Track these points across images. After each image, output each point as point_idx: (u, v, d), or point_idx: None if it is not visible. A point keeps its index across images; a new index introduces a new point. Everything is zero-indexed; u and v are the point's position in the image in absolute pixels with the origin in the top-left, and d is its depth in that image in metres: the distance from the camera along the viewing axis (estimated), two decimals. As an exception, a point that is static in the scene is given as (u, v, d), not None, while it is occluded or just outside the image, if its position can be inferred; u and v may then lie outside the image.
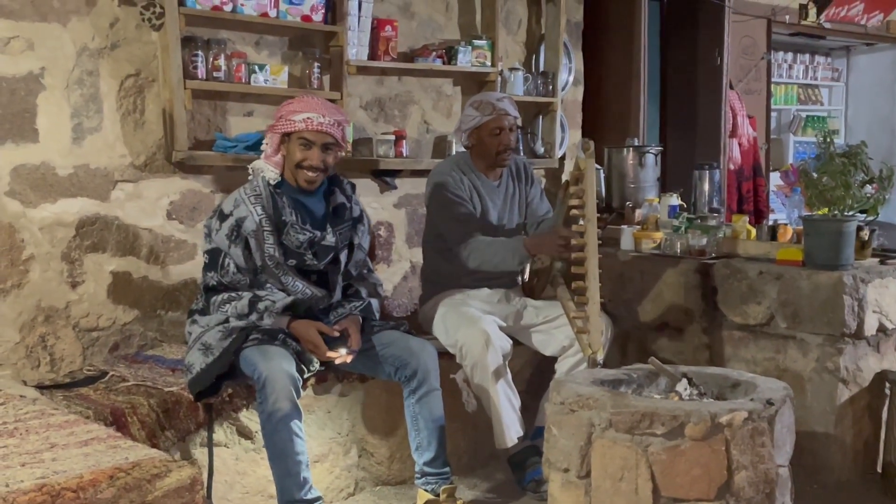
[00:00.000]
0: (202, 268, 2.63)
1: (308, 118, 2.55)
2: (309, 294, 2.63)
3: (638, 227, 3.65)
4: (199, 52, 3.14)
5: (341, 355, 2.57)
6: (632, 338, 3.49)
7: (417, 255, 3.69)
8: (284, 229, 2.57)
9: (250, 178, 2.67)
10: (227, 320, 2.56)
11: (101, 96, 3.04)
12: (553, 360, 3.08)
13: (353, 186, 2.82)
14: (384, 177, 3.80)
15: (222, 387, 2.56)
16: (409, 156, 3.81)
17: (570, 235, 2.72)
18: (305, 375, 2.55)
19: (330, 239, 2.65)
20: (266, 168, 2.63)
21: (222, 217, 2.58)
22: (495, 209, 3.17)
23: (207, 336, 2.55)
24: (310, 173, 2.59)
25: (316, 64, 3.45)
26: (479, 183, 3.15)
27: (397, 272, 3.91)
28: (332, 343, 2.59)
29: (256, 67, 3.28)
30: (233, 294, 2.55)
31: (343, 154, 2.77)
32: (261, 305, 2.53)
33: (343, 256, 2.72)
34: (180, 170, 3.22)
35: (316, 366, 2.59)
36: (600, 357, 2.62)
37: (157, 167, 3.17)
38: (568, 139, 4.40)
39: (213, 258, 2.58)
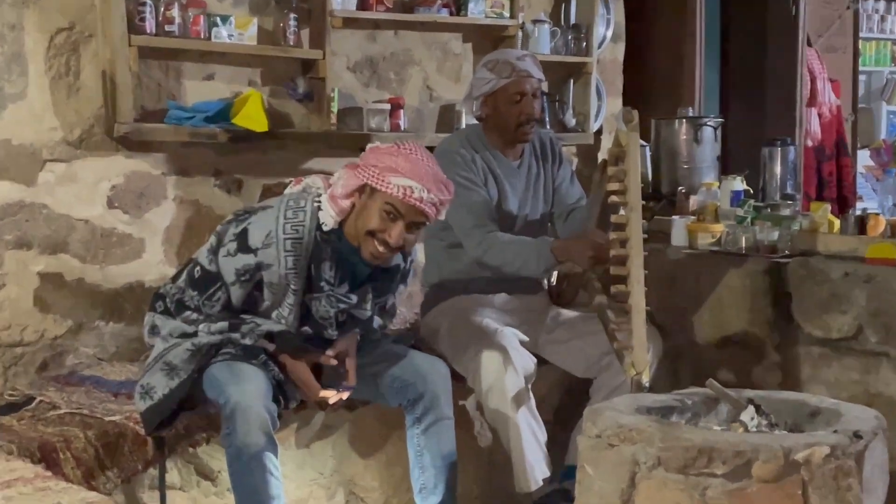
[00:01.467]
0: (186, 276, 2.54)
1: (409, 188, 2.41)
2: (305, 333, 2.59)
3: (693, 217, 3.65)
4: (148, 1, 3.15)
5: (336, 393, 2.57)
6: (685, 355, 3.48)
7: (419, 254, 3.68)
8: (316, 293, 2.50)
9: (296, 194, 2.52)
10: (195, 333, 2.52)
11: (26, 55, 3.04)
12: (587, 382, 3.08)
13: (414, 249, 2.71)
14: (377, 155, 3.80)
15: (178, 416, 2.57)
16: (408, 129, 3.80)
17: (607, 243, 2.72)
18: (282, 409, 2.54)
19: (366, 311, 2.60)
20: (326, 208, 2.47)
21: (243, 246, 2.44)
22: (515, 195, 3.17)
23: (173, 355, 2.53)
24: (381, 248, 2.46)
25: (292, 15, 3.46)
26: (495, 163, 3.15)
27: (393, 274, 3.91)
28: (325, 377, 2.58)
29: (219, 19, 3.29)
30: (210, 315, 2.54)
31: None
32: (244, 327, 2.50)
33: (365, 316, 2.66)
34: (124, 146, 3.22)
35: (296, 403, 2.61)
36: (646, 379, 2.62)
37: (96, 143, 3.18)
38: (605, 109, 4.39)
39: (206, 281, 2.49)
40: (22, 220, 3.06)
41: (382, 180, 2.41)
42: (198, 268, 2.51)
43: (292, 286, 2.47)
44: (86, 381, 2.94)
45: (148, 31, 3.16)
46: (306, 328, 2.54)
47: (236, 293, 2.49)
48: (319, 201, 2.49)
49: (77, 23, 3.11)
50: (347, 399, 2.62)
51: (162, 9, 3.18)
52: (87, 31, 3.13)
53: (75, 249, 3.15)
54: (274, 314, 2.52)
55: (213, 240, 2.51)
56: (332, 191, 2.49)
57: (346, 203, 2.48)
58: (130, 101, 3.13)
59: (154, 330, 2.59)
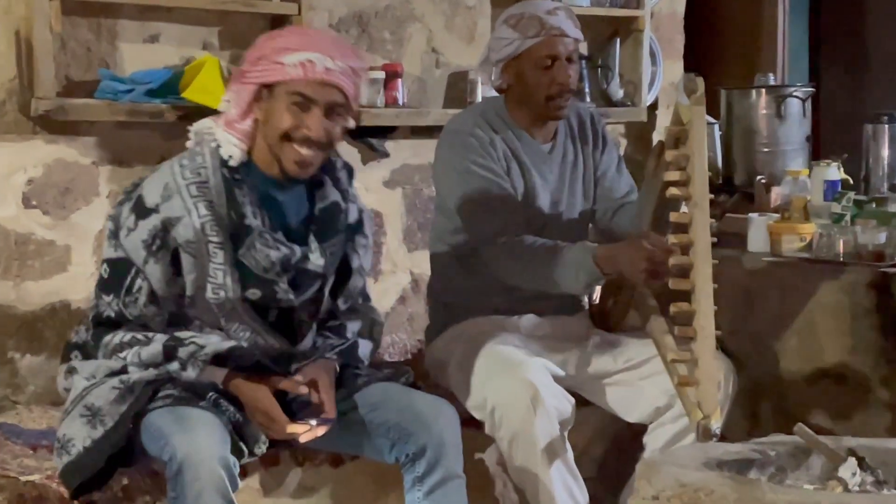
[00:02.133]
0: (96, 285, 2.61)
1: (308, 61, 2.50)
2: (261, 345, 2.64)
3: (776, 215, 3.64)
4: (74, -58, 3.18)
5: (310, 428, 2.57)
6: (767, 392, 3.48)
7: (423, 263, 3.69)
8: (246, 240, 2.55)
9: (191, 146, 2.63)
10: (124, 369, 2.55)
11: (-81, 13, 3.07)
12: (641, 428, 3.08)
13: (351, 172, 2.81)
14: (368, 138, 3.82)
15: (113, 474, 2.56)
16: (409, 104, 3.82)
17: (666, 249, 2.71)
18: (245, 459, 2.54)
19: (316, 260, 2.65)
20: (225, 139, 2.58)
21: (141, 210, 2.53)
22: (546, 188, 3.17)
23: (94, 395, 2.54)
24: (304, 150, 2.55)
25: (259, -41, 3.48)
26: (521, 146, 3.15)
27: (390, 290, 3.93)
28: (294, 408, 2.59)
29: (164, -35, 3.31)
30: (138, 336, 2.56)
31: (353, 126, 2.74)
32: (182, 352, 2.52)
33: (328, 287, 2.73)
34: (44, 129, 3.24)
35: (264, 446, 2.60)
36: (716, 424, 2.60)
37: (7, 125, 3.19)
38: (662, 76, 4.39)
39: (117, 274, 2.55)
40: (-87, 225, 3.09)
41: (274, 65, 2.50)
42: (104, 266, 2.59)
43: (214, 239, 2.53)
44: (-4, 429, 2.96)
45: (74, -19, 3.18)
46: (254, 291, 2.58)
47: (155, 274, 2.53)
48: (216, 138, 2.58)
49: (-16, -30, 3.13)
50: (329, 453, 2.62)
51: (93, -48, 3.21)
52: (-3, -18, 3.15)
53: (-18, 262, 3.17)
54: (215, 293, 2.55)
55: (109, 226, 2.59)
56: (226, 117, 2.59)
57: (246, 124, 2.57)
58: (52, 70, 3.14)
59: (71, 374, 2.62)
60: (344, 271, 2.77)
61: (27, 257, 3.23)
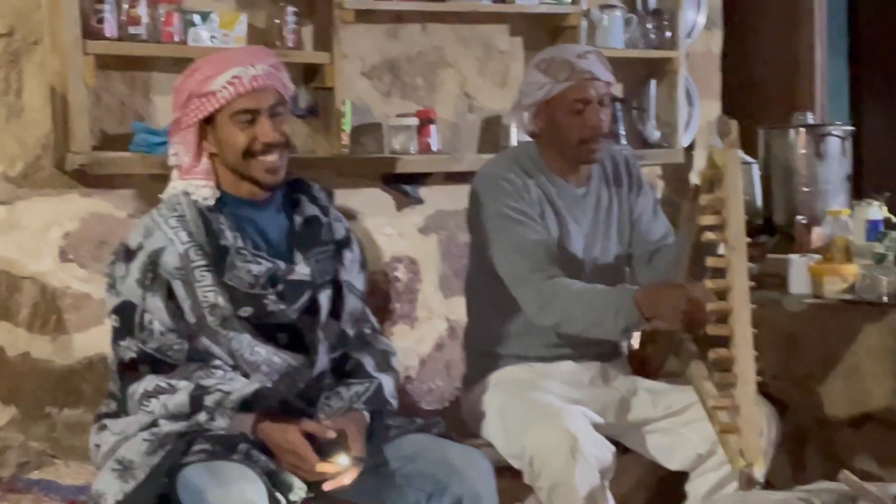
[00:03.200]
0: (111, 340, 2.64)
1: (234, 78, 2.59)
2: (279, 364, 2.65)
3: (817, 256, 3.61)
4: (108, -4, 3.22)
5: (342, 467, 2.56)
6: (811, 438, 3.44)
7: (460, 310, 3.68)
8: (227, 259, 2.61)
9: (165, 200, 2.70)
10: (155, 423, 2.57)
11: (-45, 69, 3.12)
12: (683, 476, 3.05)
13: (330, 195, 2.87)
14: (402, 184, 3.84)
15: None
16: (442, 150, 3.83)
17: (706, 298, 2.69)
18: (284, 508, 2.55)
19: (301, 270, 2.68)
20: (192, 186, 2.66)
21: (128, 255, 2.61)
22: (580, 232, 3.16)
23: (126, 448, 2.55)
24: (269, 157, 2.64)
25: (290, 9, 3.52)
26: (554, 190, 3.14)
27: (426, 337, 3.92)
28: (325, 449, 2.58)
29: (197, 17, 3.35)
30: (162, 384, 2.57)
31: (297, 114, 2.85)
32: (208, 400, 2.53)
33: (325, 299, 2.74)
34: (80, 182, 3.27)
35: (301, 493, 2.58)
36: (760, 471, 2.58)
37: (44, 179, 3.23)
38: (698, 116, 4.37)
39: (126, 317, 2.60)
40: (-49, 280, 3.12)
41: (205, 100, 2.58)
42: (112, 317, 2.63)
43: (199, 263, 2.58)
44: (34, 485, 2.97)
45: (108, 35, 3.21)
46: (245, 309, 2.61)
47: (156, 307, 2.57)
48: (184, 191, 2.66)
49: (18, 27, 3.18)
50: (363, 503, 2.60)
51: (126, 6, 3.24)
52: (32, 37, 3.19)
53: (19, 315, 3.19)
54: (211, 313, 2.58)
55: (106, 282, 2.65)
56: (182, 169, 2.66)
57: (203, 164, 2.66)
58: (87, 124, 3.19)
59: (102, 431, 2.65)
60: (338, 286, 2.78)
61: (65, 311, 3.25)
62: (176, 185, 2.69)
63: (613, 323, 2.87)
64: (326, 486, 2.57)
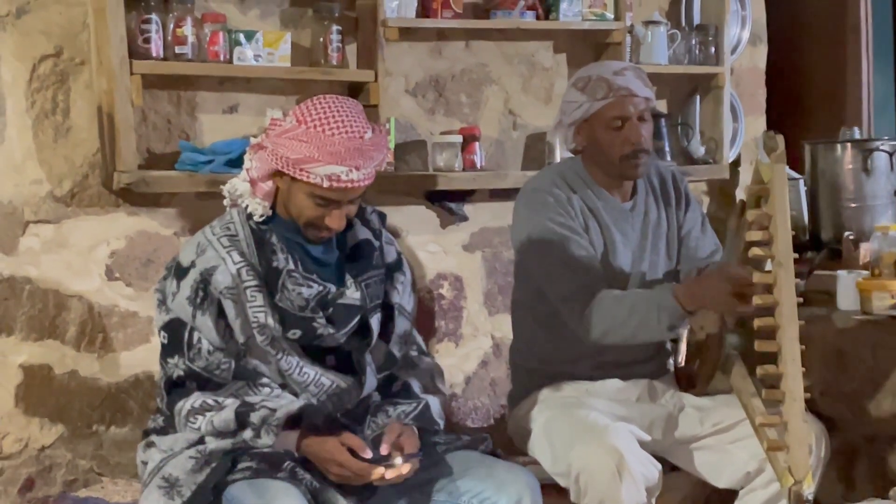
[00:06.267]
0: (160, 356, 2.65)
1: (333, 176, 2.53)
2: (327, 385, 2.66)
3: (865, 272, 3.58)
4: (153, 17, 3.24)
5: (395, 467, 2.54)
6: (862, 455, 3.42)
7: (505, 326, 3.68)
8: (278, 281, 2.61)
9: (226, 204, 2.71)
10: (201, 440, 2.58)
11: (2, 89, 3.14)
12: (731, 494, 3.03)
13: (383, 218, 2.86)
14: (446, 202, 3.84)
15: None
16: (487, 167, 3.83)
17: (747, 278, 2.67)
18: (326, 526, 2.54)
19: (352, 294, 2.68)
20: (248, 197, 2.67)
21: (180, 273, 2.62)
22: (627, 247, 3.14)
23: (172, 465, 2.56)
24: (325, 233, 2.66)
25: (335, 27, 3.52)
26: (600, 205, 3.13)
27: (472, 354, 3.91)
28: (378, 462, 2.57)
29: (242, 37, 3.37)
30: (208, 401, 2.58)
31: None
32: (254, 417, 2.54)
33: (375, 322, 2.74)
34: (126, 201, 3.30)
35: (344, 510, 2.59)
36: (809, 489, 2.55)
37: (91, 198, 3.26)
38: (744, 132, 4.35)
39: (175, 335, 2.61)
40: (0, 299, 3.13)
41: (298, 171, 2.55)
42: (161, 334, 2.64)
43: (251, 283, 2.58)
44: (82, 503, 2.97)
45: (154, 55, 3.24)
46: (294, 331, 2.62)
47: (206, 326, 2.58)
48: (241, 197, 2.67)
49: (65, 47, 3.21)
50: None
51: (171, 26, 3.27)
52: (79, 58, 3.23)
53: (67, 334, 3.22)
54: (261, 333, 2.59)
55: (157, 298, 2.66)
56: (250, 175, 2.66)
57: (267, 186, 2.65)
58: (133, 143, 3.21)
59: (149, 448, 2.66)
60: (388, 309, 2.78)
61: (112, 329, 3.27)
62: (236, 184, 2.70)
63: (657, 321, 2.86)
64: (388, 475, 2.53)
